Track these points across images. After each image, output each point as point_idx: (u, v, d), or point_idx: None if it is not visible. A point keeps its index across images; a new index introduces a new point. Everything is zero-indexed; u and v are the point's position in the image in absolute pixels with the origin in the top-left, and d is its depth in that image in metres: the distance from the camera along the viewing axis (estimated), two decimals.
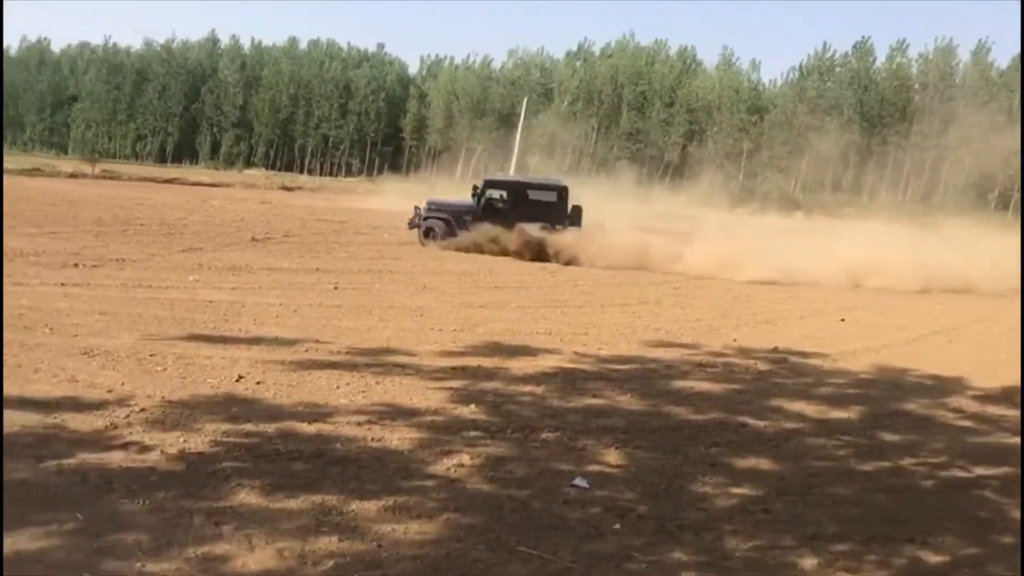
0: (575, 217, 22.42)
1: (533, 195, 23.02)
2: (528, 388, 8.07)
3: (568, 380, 8.54)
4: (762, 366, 10.10)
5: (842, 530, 5.16)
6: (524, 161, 62.83)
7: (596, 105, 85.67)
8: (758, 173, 77.56)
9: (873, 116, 78.80)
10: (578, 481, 5.58)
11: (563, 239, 21.07)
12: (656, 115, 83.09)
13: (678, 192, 61.84)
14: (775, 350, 11.08)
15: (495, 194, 23.13)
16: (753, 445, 6.85)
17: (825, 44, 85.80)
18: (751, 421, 7.54)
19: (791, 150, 76.14)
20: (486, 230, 21.54)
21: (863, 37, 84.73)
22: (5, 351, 7.77)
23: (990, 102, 69.30)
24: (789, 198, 67.06)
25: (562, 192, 22.96)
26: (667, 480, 5.80)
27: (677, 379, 9.05)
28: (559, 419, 7.10)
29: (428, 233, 22.53)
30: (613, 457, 6.25)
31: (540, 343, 10.42)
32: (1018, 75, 68.38)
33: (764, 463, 6.41)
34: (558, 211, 22.40)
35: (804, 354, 10.96)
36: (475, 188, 23.30)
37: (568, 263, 20.19)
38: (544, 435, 6.62)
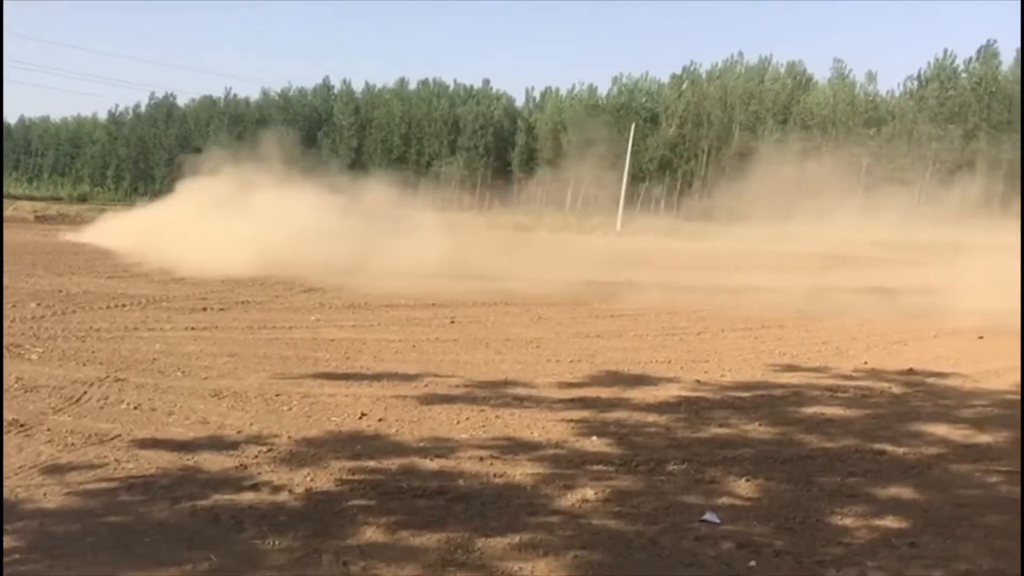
0: None
1: None
2: (651, 418, 7.89)
3: (692, 409, 8.31)
4: (897, 389, 9.63)
5: (998, 565, 4.80)
6: (634, 188, 62.27)
7: (706, 127, 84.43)
8: (879, 187, 74.46)
9: (1001, 123, 74.84)
10: (708, 516, 5.38)
11: None
12: (769, 134, 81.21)
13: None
14: (910, 371, 10.55)
15: None
16: (893, 474, 6.49)
17: (946, 51, 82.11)
18: (889, 448, 7.16)
19: (913, 162, 73.02)
20: None
21: (988, 40, 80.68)
22: (144, 394, 8.13)
23: None
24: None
25: None
26: (803, 513, 5.53)
27: (806, 405, 8.70)
28: (685, 450, 6.90)
29: None
30: (744, 489, 6.01)
31: (660, 372, 10.22)
32: None
33: (907, 492, 6.04)
34: None
35: (942, 375, 10.42)
36: None
37: None
38: (670, 467, 6.43)
